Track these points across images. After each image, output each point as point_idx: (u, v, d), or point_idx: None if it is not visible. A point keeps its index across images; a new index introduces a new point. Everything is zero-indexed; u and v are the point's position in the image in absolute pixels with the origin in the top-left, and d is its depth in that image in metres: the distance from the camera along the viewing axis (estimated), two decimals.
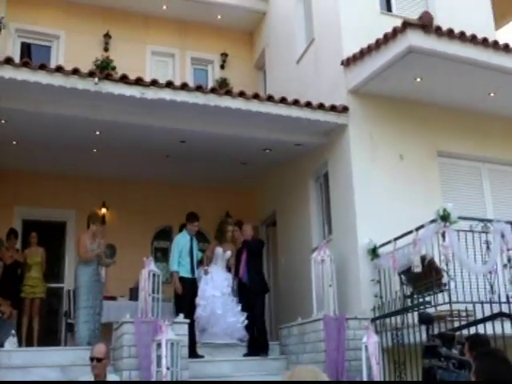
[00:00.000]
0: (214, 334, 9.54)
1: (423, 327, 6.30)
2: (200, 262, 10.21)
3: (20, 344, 9.29)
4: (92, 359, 6.12)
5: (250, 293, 9.72)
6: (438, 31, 8.63)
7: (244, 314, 9.74)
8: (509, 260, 7.87)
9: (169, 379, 7.17)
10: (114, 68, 11.68)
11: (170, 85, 8.97)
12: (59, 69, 8.38)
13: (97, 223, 10.27)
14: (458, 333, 6.50)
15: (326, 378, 1.92)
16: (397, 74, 9.22)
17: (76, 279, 9.68)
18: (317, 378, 1.89)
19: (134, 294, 10.18)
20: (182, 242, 9.64)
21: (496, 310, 7.26)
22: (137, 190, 12.55)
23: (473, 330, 6.67)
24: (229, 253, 10.24)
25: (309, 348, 8.66)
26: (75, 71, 8.39)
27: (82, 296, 9.43)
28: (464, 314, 7.31)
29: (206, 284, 9.85)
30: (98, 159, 11.18)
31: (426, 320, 5.69)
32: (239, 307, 9.81)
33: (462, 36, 8.79)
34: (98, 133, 9.75)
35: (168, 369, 7.20)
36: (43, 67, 8.27)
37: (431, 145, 10.11)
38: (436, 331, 6.04)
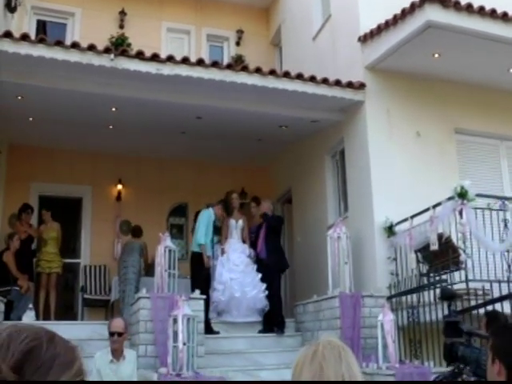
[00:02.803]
0: (236, 315, 9.56)
1: (444, 304, 6.27)
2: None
3: (37, 318, 9.41)
4: (113, 334, 6.15)
5: (268, 270, 9.72)
6: (457, 5, 8.48)
7: (264, 284, 9.73)
8: None
9: (185, 354, 7.22)
10: (129, 45, 11.60)
11: (185, 61, 8.94)
12: (75, 45, 8.39)
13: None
14: (474, 311, 6.49)
15: (352, 355, 1.88)
16: (414, 50, 9.10)
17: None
18: (341, 357, 1.85)
19: (150, 270, 10.24)
20: (207, 218, 9.67)
21: None
22: (152, 166, 12.55)
23: (489, 309, 6.64)
24: (241, 221, 10.23)
25: (324, 325, 8.68)
26: (91, 47, 8.39)
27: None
28: (481, 292, 7.28)
29: (222, 267, 9.83)
30: (115, 136, 11.19)
31: (449, 296, 5.65)
32: (259, 276, 9.77)
33: (480, 10, 8.64)
34: (114, 109, 9.77)
35: (184, 344, 7.25)
36: (59, 43, 8.28)
37: (448, 122, 10.00)
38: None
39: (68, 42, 8.89)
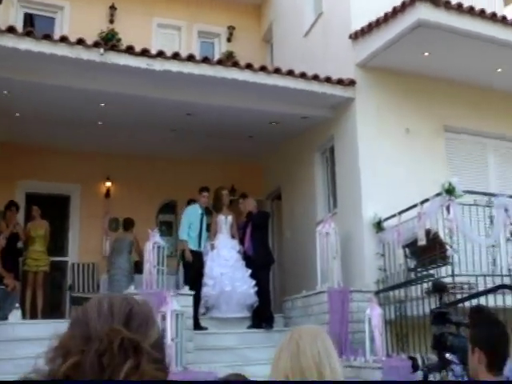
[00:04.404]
0: (225, 310, 9.58)
1: (431, 298, 6.34)
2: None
3: (24, 317, 9.32)
4: None
5: (255, 266, 9.75)
6: (447, 5, 8.57)
7: (253, 280, 9.75)
8: (511, 234, 7.90)
9: (174, 350, 7.22)
10: (119, 40, 11.52)
11: (176, 56, 8.93)
12: (63, 39, 8.31)
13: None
14: (460, 305, 6.55)
15: (328, 338, 1.91)
16: (405, 48, 9.16)
17: None
18: (316, 337, 1.88)
19: (138, 267, 10.22)
20: (192, 213, 9.68)
21: (498, 282, 7.32)
22: (142, 163, 12.44)
23: (475, 303, 6.70)
24: (230, 217, 10.26)
25: (313, 320, 8.70)
26: (80, 41, 8.33)
27: None
28: (466, 286, 7.36)
29: (212, 261, 9.84)
30: (104, 132, 11.09)
31: (440, 288, 5.74)
32: (249, 272, 9.80)
33: (470, 10, 8.74)
34: (102, 105, 9.70)
35: (173, 340, 7.25)
36: (47, 37, 8.19)
37: (438, 119, 10.08)
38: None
39: (57, 36, 8.81)
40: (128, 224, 11.07)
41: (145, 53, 8.72)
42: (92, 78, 8.82)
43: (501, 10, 10.32)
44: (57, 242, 11.78)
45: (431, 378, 5.48)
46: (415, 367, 5.01)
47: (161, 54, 8.81)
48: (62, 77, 8.69)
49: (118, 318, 1.13)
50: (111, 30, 12.72)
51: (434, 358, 4.86)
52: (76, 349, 1.10)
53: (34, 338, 7.81)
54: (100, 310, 1.15)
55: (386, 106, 9.83)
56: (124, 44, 9.33)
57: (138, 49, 8.71)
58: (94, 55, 8.37)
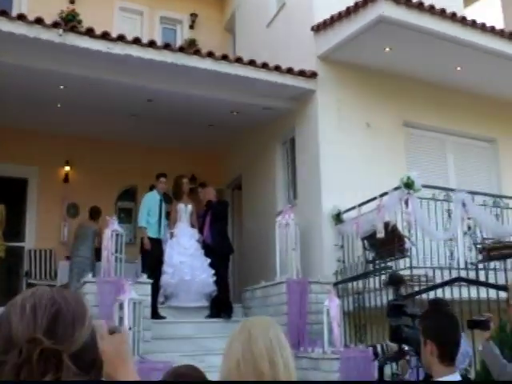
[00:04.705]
0: (184, 299, 9.54)
1: (389, 289, 6.43)
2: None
3: None
4: None
5: (214, 254, 9.73)
6: (408, 2, 8.72)
7: (212, 269, 9.74)
8: (469, 228, 8.07)
9: (130, 339, 7.16)
10: (80, 22, 11.30)
11: (137, 41, 8.80)
12: (21, 17, 8.03)
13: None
14: (418, 297, 6.66)
15: (279, 328, 1.91)
16: (366, 43, 9.25)
17: None
18: (268, 326, 1.88)
19: (97, 254, 10.08)
20: (151, 200, 9.60)
21: (455, 275, 7.47)
22: (102, 148, 12.24)
23: (432, 295, 6.83)
24: (190, 206, 10.21)
25: (271, 311, 8.73)
26: (39, 20, 8.07)
27: None
28: (424, 278, 7.48)
29: (171, 249, 9.76)
30: (63, 115, 10.85)
31: (396, 281, 5.82)
32: (208, 261, 9.78)
33: (431, 9, 8.89)
34: (62, 87, 9.50)
35: (130, 329, 7.18)
36: (4, 13, 7.91)
37: (398, 115, 10.21)
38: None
39: (14, 14, 8.55)
40: (95, 213, 10.92)
41: (105, 36, 8.56)
42: (51, 59, 8.59)
43: (461, 11, 10.48)
44: (13, 227, 11.51)
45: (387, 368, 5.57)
46: (376, 355, 5.08)
47: (121, 38, 8.66)
48: (20, 56, 8.44)
49: (41, 321, 1.09)
50: (72, 10, 12.43)
51: (393, 346, 4.94)
52: None
53: None
54: (23, 312, 1.11)
55: (347, 99, 9.90)
56: (85, 26, 9.13)
57: (98, 31, 8.53)
58: (53, 36, 8.15)
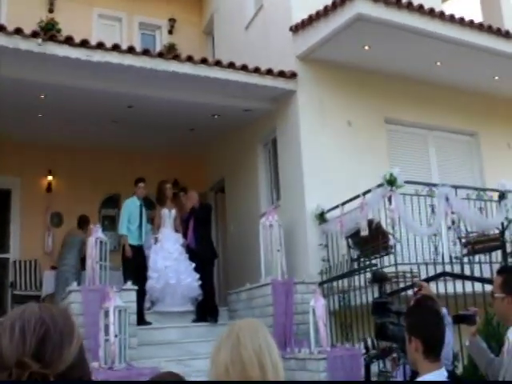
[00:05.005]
0: (170, 304, 9.50)
1: (374, 287, 6.41)
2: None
3: None
4: None
5: (199, 259, 9.69)
6: (386, 0, 8.67)
7: (197, 274, 9.70)
8: (453, 222, 8.07)
9: (117, 346, 7.12)
10: (59, 30, 11.24)
11: (116, 48, 8.81)
12: (1, 28, 8.07)
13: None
14: (403, 293, 6.65)
15: (267, 331, 1.89)
16: (345, 42, 9.26)
17: None
18: (257, 330, 1.86)
19: (83, 264, 10.02)
20: (131, 206, 9.55)
21: (440, 270, 7.46)
22: (84, 156, 12.20)
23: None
24: (174, 211, 10.18)
25: (257, 313, 8.72)
26: (18, 31, 8.11)
27: None
28: (409, 275, 7.48)
29: (156, 254, 9.72)
30: (44, 124, 10.81)
31: (380, 278, 5.80)
32: (193, 265, 9.73)
33: (409, 5, 8.92)
34: (42, 96, 9.47)
35: (116, 336, 7.15)
36: None
37: (379, 112, 10.23)
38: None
39: None
40: (83, 222, 10.88)
41: (84, 44, 8.56)
42: (31, 68, 8.59)
43: (439, 6, 10.52)
44: None
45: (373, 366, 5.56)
46: (367, 349, 5.08)
47: (101, 46, 8.67)
48: (0, 66, 8.37)
49: (29, 343, 1.11)
50: (51, 19, 12.38)
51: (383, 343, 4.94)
52: None
53: None
54: (12, 334, 1.13)
55: (327, 98, 9.91)
56: (64, 34, 9.11)
57: (77, 40, 8.54)
58: (33, 46, 8.17)
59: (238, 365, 1.72)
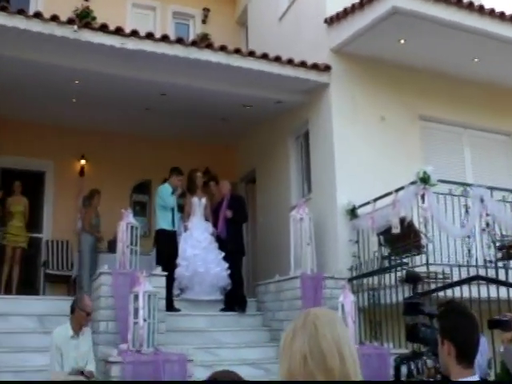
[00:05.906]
0: (198, 292, 9.55)
1: (404, 286, 6.35)
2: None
3: None
4: (89, 313, 6.35)
5: (228, 250, 9.72)
6: None
7: (226, 263, 9.73)
8: (487, 225, 7.91)
9: (145, 331, 7.18)
10: (94, 18, 11.34)
11: (150, 36, 8.85)
12: (37, 15, 8.20)
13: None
14: (434, 295, 6.58)
15: (343, 323, 1.84)
16: (380, 35, 9.14)
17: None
18: (334, 319, 1.81)
19: (112, 247, 10.14)
20: (166, 192, 9.56)
21: (473, 273, 7.33)
22: (116, 142, 12.34)
23: (449, 292, 6.74)
24: (204, 199, 10.20)
25: (285, 305, 8.72)
26: (54, 18, 8.22)
27: None
28: (441, 276, 7.39)
29: (185, 243, 9.77)
30: (78, 110, 10.95)
31: (413, 278, 5.75)
32: (222, 254, 9.77)
33: None
34: (77, 82, 9.57)
35: (145, 320, 7.20)
36: (21, 12, 8.08)
37: (413, 108, 10.09)
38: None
39: (31, 12, 8.65)
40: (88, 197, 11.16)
41: (119, 31, 8.63)
42: (66, 54, 8.69)
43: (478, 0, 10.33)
44: (32, 219, 11.63)
45: (403, 368, 5.52)
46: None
47: (135, 34, 8.73)
48: (36, 52, 8.56)
49: None
50: (86, 7, 12.50)
51: (430, 362, 4.85)
52: None
53: (7, 314, 8.12)
54: None
55: (361, 92, 9.81)
56: (99, 22, 9.17)
57: (112, 28, 8.58)
58: (68, 32, 8.27)
59: (317, 355, 1.67)
